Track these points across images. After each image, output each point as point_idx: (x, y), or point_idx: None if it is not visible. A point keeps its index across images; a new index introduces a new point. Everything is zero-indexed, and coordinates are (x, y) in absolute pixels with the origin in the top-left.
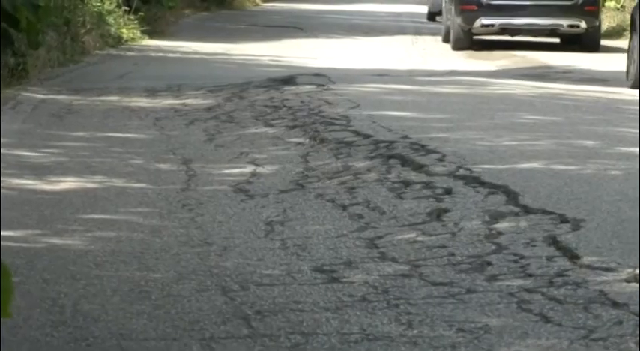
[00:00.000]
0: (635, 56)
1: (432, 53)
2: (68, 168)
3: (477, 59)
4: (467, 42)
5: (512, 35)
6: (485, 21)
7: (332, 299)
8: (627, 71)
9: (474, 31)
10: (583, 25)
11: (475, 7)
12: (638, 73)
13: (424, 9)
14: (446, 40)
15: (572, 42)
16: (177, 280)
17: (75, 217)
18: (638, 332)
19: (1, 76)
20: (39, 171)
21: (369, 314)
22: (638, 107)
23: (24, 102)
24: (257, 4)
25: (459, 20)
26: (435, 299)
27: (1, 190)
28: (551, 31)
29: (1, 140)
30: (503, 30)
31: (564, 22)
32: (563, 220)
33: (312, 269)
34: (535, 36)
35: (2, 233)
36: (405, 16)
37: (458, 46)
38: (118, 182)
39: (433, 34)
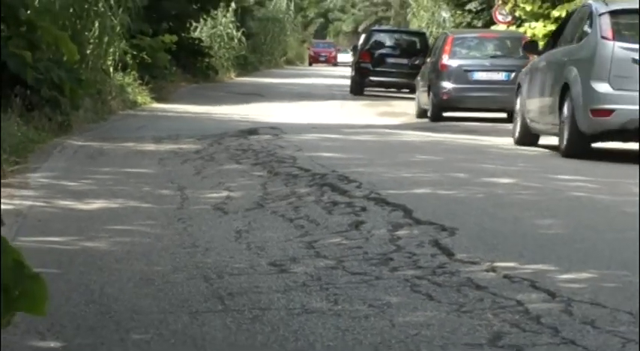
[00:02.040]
0: (519, 118)
1: (353, 113)
2: (98, 193)
3: (385, 117)
4: (360, 91)
5: (386, 88)
6: (372, 78)
7: (281, 285)
8: (513, 133)
9: (365, 84)
10: None
11: (366, 71)
12: (520, 132)
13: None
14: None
15: None
16: (173, 271)
17: (102, 227)
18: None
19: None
20: (77, 195)
21: (307, 295)
22: (503, 150)
23: (68, 147)
24: (232, 78)
25: (357, 77)
26: (353, 284)
27: (51, 209)
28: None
29: (52, 174)
30: (380, 84)
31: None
32: (443, 228)
33: (268, 263)
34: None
35: (52, 239)
36: (334, 87)
37: (354, 93)
38: (133, 203)
39: (354, 100)
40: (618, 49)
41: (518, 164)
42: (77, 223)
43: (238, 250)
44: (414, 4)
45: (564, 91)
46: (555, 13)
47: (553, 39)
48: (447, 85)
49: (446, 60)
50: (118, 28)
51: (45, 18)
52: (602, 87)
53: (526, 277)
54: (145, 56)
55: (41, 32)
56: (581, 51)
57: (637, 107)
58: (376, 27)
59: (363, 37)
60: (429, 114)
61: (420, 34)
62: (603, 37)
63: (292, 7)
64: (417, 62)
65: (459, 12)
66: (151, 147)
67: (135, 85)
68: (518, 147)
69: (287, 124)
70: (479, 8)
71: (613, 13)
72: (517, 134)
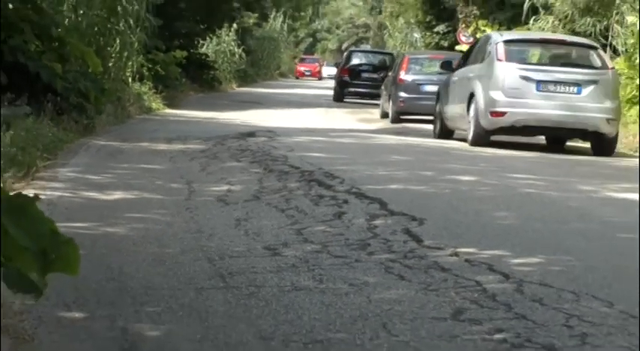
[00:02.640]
0: (438, 119)
1: (337, 119)
2: (117, 186)
3: (363, 122)
4: (341, 99)
5: (361, 97)
6: (350, 89)
7: (274, 266)
8: (434, 129)
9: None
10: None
11: (346, 83)
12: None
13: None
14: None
15: None
16: (181, 253)
17: (120, 215)
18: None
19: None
20: (99, 187)
21: (296, 275)
22: (464, 152)
23: (92, 146)
24: (233, 89)
25: (338, 88)
26: (336, 266)
27: (76, 199)
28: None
29: (78, 169)
30: (357, 94)
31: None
32: (413, 219)
33: (263, 247)
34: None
35: (77, 224)
36: (321, 97)
37: (336, 100)
38: (147, 194)
39: (338, 107)
40: (509, 68)
41: (478, 164)
42: (99, 212)
43: (237, 235)
44: (390, 27)
45: (471, 98)
46: None
47: (463, 60)
48: (403, 94)
49: (402, 75)
50: (136, 45)
51: (73, 35)
52: (498, 95)
53: (484, 261)
54: (159, 69)
55: (70, 47)
56: (483, 69)
57: (524, 110)
58: (354, 48)
59: (344, 55)
60: (389, 116)
61: (389, 54)
62: (498, 59)
63: (285, 28)
64: (385, 76)
65: (428, 33)
66: (163, 146)
67: (150, 93)
68: (477, 149)
69: (280, 128)
70: (445, 30)
71: (505, 42)
72: (437, 131)
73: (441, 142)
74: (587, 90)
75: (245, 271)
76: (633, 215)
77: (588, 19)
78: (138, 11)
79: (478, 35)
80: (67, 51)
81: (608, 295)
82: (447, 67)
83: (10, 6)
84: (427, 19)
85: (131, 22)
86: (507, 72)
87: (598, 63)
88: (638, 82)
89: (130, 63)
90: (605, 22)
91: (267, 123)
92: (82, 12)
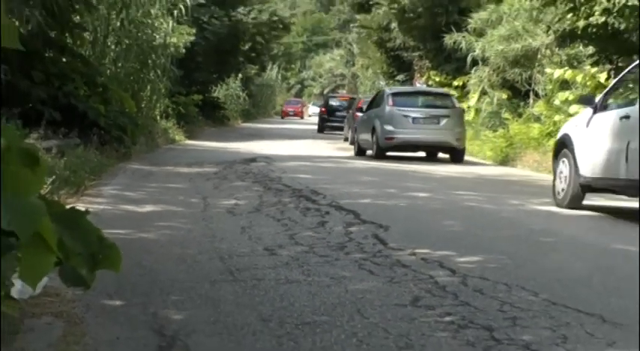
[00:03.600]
0: (355, 143)
1: (320, 148)
2: (148, 200)
3: (341, 151)
4: (322, 131)
5: (335, 130)
6: (328, 124)
7: (272, 263)
8: (354, 149)
9: (324, 127)
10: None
11: (324, 119)
12: (356, 150)
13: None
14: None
15: None
16: (199, 253)
17: (151, 224)
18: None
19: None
20: (135, 202)
21: (289, 270)
22: (419, 174)
23: (128, 170)
24: (239, 124)
25: (320, 122)
26: (320, 263)
27: (116, 211)
28: None
29: (117, 187)
30: (332, 128)
31: None
32: (380, 226)
33: (263, 249)
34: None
35: (117, 231)
36: (308, 131)
37: (319, 132)
38: (172, 208)
39: (321, 139)
40: (396, 110)
41: (430, 183)
42: (134, 221)
43: (243, 239)
44: (361, 76)
45: (373, 130)
46: (455, 83)
47: (369, 106)
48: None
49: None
50: (163, 90)
51: (113, 83)
52: (389, 127)
53: (436, 259)
54: (181, 109)
55: (111, 92)
56: (380, 111)
57: (405, 136)
58: (330, 93)
59: (324, 99)
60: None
61: (353, 98)
62: (389, 105)
63: (279, 77)
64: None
65: (390, 81)
66: (184, 170)
67: (174, 128)
68: (429, 170)
69: (276, 155)
70: (404, 79)
71: (393, 94)
72: (355, 151)
73: (400, 165)
74: (443, 121)
75: (249, 267)
76: (552, 223)
77: (516, 69)
78: (164, 64)
79: (430, 82)
80: (109, 95)
81: (533, 286)
82: (360, 110)
83: (64, 60)
84: (390, 70)
85: (159, 72)
86: (394, 113)
87: (450, 104)
88: (555, 119)
89: (158, 104)
90: (529, 72)
91: (266, 151)
92: (120, 64)
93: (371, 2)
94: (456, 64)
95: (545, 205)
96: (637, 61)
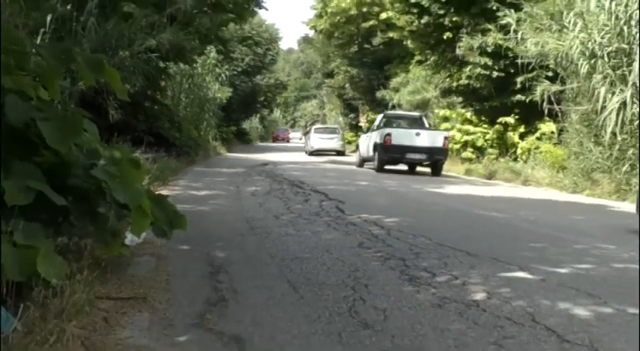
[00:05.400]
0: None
1: (303, 157)
2: (203, 188)
3: (316, 158)
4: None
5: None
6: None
7: (276, 224)
8: (357, 162)
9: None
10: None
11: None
12: (358, 163)
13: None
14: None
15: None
16: (234, 220)
17: (205, 201)
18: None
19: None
20: (196, 189)
21: (286, 228)
22: (363, 170)
23: (193, 170)
24: (258, 144)
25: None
26: (305, 223)
27: (185, 194)
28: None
29: (187, 180)
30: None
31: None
32: (340, 201)
33: (272, 216)
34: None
35: (185, 206)
36: (297, 148)
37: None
38: (217, 192)
39: (304, 152)
40: (314, 133)
41: (368, 177)
42: (195, 200)
43: (259, 210)
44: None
45: (375, 146)
46: None
47: (368, 128)
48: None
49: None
50: (213, 124)
51: (184, 120)
52: (311, 142)
53: (372, 221)
54: (224, 135)
55: (183, 125)
56: (310, 136)
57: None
58: (309, 125)
59: (306, 128)
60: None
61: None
62: (313, 133)
63: (281, 116)
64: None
65: (346, 118)
66: (224, 170)
67: (219, 145)
68: (367, 170)
69: (279, 161)
70: (354, 116)
71: (315, 128)
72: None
73: (352, 168)
74: (424, 133)
75: (263, 226)
76: (440, 197)
77: (418, 111)
78: (213, 109)
79: (368, 118)
80: (182, 127)
81: (428, 235)
82: (361, 129)
83: (155, 107)
84: (345, 112)
85: (210, 114)
86: (313, 135)
87: (338, 131)
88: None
89: (210, 132)
90: (425, 112)
91: (273, 159)
92: (188, 109)
93: (334, 72)
94: (383, 108)
95: (436, 188)
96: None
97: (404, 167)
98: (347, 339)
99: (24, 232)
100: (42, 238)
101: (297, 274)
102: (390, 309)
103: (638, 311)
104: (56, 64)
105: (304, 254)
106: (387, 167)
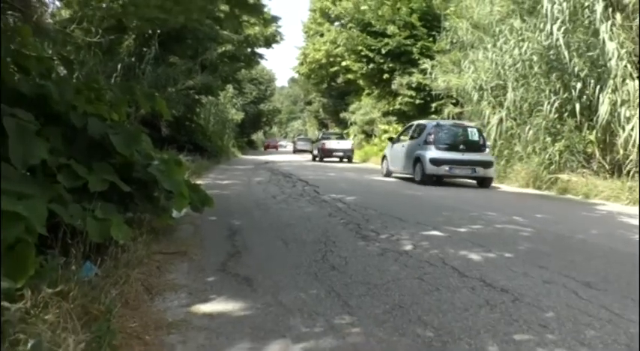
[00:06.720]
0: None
1: (297, 158)
2: (226, 178)
3: (305, 159)
4: (295, 151)
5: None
6: (297, 148)
7: (274, 202)
8: (382, 170)
9: (295, 150)
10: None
11: (295, 147)
12: (385, 172)
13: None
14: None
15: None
16: (246, 200)
17: (227, 188)
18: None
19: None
20: (220, 179)
21: (280, 204)
22: (328, 165)
23: (219, 168)
24: (262, 150)
25: (294, 148)
26: (293, 201)
27: (213, 182)
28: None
29: (214, 174)
30: (301, 151)
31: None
32: (316, 186)
33: (270, 196)
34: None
35: (212, 191)
36: (289, 152)
37: (293, 152)
38: (235, 181)
39: (294, 155)
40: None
41: (335, 170)
42: (220, 187)
43: (263, 193)
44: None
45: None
46: (344, 131)
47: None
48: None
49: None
50: (232, 136)
51: (213, 133)
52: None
53: (338, 199)
54: (239, 144)
55: (211, 137)
56: (316, 142)
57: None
58: (297, 137)
59: (295, 138)
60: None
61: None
62: (319, 138)
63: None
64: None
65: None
66: (240, 167)
67: (236, 150)
68: (336, 165)
69: (276, 160)
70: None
71: (323, 134)
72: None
73: (325, 164)
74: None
75: (265, 204)
76: (382, 183)
77: (367, 126)
78: (232, 126)
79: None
80: (210, 139)
81: (375, 208)
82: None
83: (192, 125)
84: (319, 127)
85: (230, 129)
86: (321, 140)
87: (346, 137)
88: (383, 145)
89: (230, 142)
90: (372, 127)
91: (272, 159)
92: (215, 126)
93: (312, 101)
94: (345, 125)
95: (379, 177)
96: (409, 123)
97: (360, 165)
98: (321, 277)
99: (102, 209)
100: (114, 214)
101: (287, 235)
102: (349, 257)
103: (638, 311)
104: (123, 97)
105: (292, 221)
106: (348, 165)
